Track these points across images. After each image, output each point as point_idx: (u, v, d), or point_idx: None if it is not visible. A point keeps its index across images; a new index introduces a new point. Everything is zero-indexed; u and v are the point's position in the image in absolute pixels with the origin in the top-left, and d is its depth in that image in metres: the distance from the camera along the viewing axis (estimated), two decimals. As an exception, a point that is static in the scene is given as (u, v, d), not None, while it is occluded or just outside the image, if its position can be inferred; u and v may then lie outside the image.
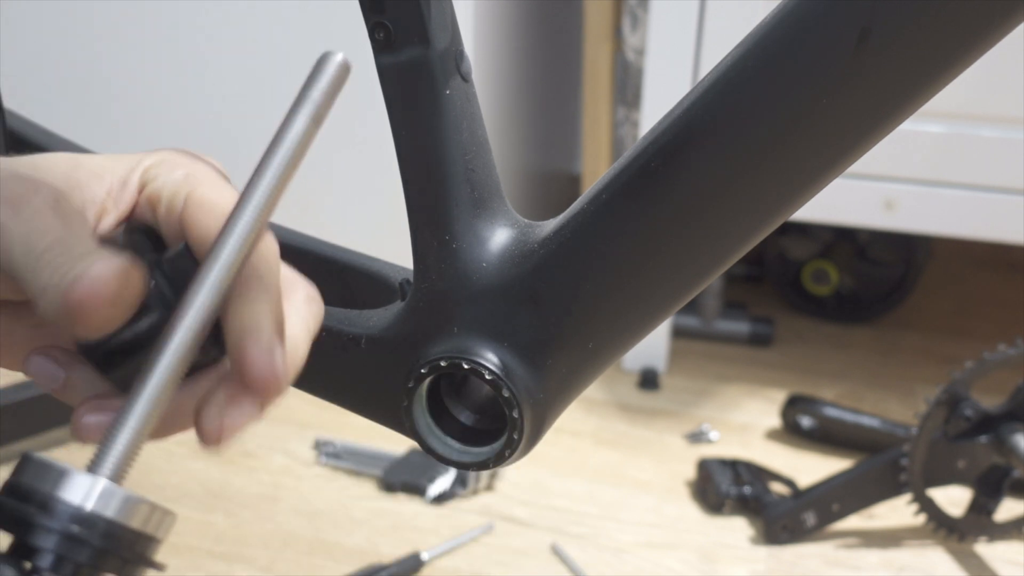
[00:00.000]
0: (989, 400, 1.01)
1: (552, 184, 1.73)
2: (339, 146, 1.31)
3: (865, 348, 1.46)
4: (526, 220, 0.51)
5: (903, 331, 1.51)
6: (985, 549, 1.04)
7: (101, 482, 0.33)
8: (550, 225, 0.49)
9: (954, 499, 1.06)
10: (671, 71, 1.18)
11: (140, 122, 1.38)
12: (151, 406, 0.34)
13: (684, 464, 1.17)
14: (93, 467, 0.33)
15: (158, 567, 0.34)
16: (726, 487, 1.08)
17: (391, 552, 1.01)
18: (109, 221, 0.37)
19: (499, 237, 0.50)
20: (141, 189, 0.38)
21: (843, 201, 1.19)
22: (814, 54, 0.40)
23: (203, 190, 0.37)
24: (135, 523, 0.33)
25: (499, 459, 0.49)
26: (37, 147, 0.65)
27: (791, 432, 1.23)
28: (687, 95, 0.44)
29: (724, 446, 1.21)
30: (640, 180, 0.45)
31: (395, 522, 1.07)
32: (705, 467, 1.12)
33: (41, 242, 0.33)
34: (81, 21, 1.37)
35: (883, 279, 1.50)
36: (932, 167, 1.17)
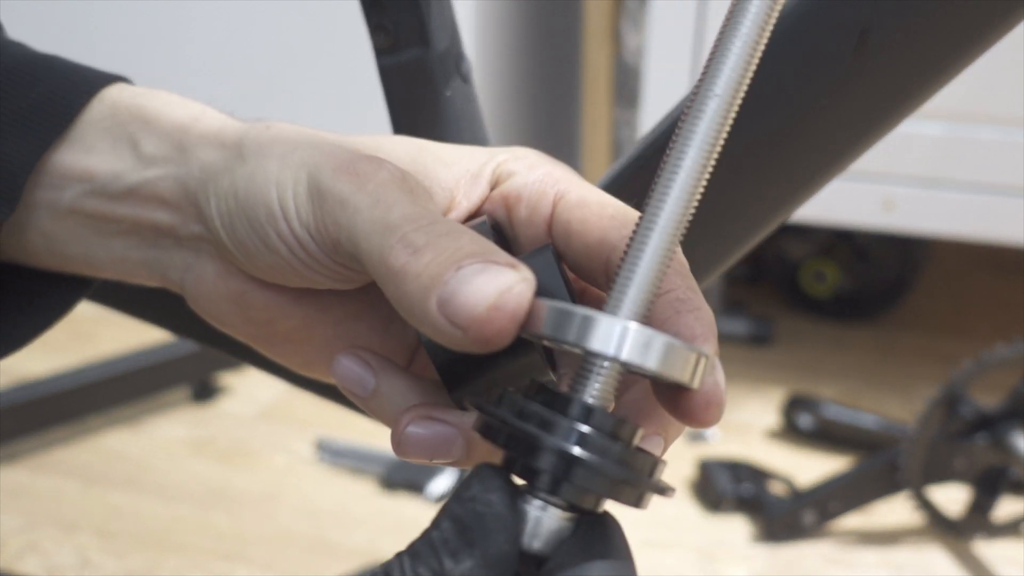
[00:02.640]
0: (987, 400, 1.01)
1: (552, 184, 1.73)
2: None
3: (864, 348, 1.46)
4: (527, 220, 0.51)
5: (902, 331, 1.51)
6: (983, 548, 1.05)
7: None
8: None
9: (952, 498, 1.06)
10: (671, 72, 1.18)
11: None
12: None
13: (684, 463, 1.17)
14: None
15: (670, 492, 0.30)
16: (725, 486, 1.09)
17: (392, 551, 1.00)
18: (457, 215, 0.33)
19: (500, 237, 0.50)
20: (493, 185, 0.34)
21: (842, 201, 1.20)
22: (814, 54, 0.40)
23: (580, 191, 0.33)
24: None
25: None
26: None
27: (790, 431, 1.23)
28: (687, 96, 0.44)
29: (724, 446, 1.22)
30: (639, 181, 0.45)
31: (396, 521, 1.07)
32: (705, 467, 1.12)
33: (392, 215, 0.28)
34: (81, 21, 1.37)
35: (882, 279, 1.50)
36: (931, 168, 1.17)
